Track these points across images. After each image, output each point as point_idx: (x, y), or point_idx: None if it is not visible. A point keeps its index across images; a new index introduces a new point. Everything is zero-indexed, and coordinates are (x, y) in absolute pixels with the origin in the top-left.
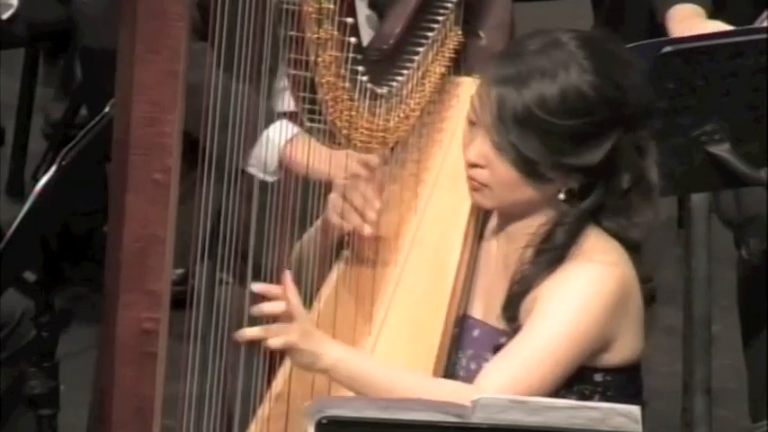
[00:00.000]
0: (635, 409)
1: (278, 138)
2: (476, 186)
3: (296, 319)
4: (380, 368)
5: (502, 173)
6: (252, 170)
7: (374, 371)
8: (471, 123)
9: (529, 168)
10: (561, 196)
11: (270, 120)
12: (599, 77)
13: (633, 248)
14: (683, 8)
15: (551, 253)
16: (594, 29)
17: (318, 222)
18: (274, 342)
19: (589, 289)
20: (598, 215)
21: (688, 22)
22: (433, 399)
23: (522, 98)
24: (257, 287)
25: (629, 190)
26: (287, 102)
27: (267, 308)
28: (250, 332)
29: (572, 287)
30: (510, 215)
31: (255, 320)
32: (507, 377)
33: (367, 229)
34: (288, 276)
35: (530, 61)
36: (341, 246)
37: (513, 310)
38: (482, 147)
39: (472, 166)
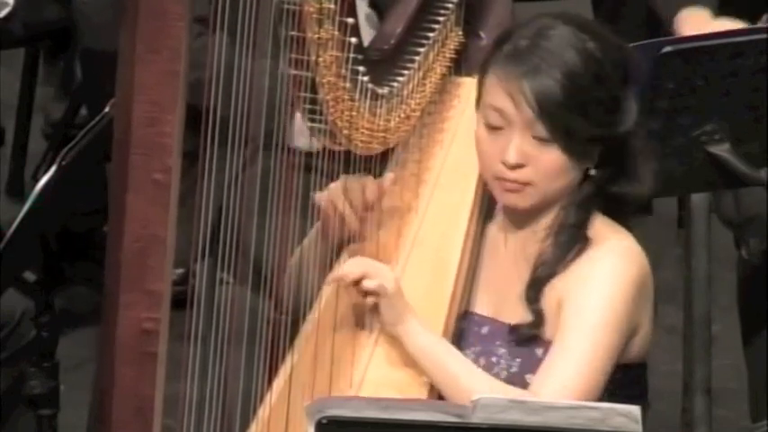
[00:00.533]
0: (635, 409)
1: None
2: (516, 188)
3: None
4: (458, 356)
5: (549, 162)
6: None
7: (450, 355)
8: (495, 129)
9: (578, 149)
10: (593, 172)
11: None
12: (598, 42)
13: (644, 211)
14: (692, 11)
15: (570, 230)
16: None
17: (318, 226)
18: (370, 282)
19: (614, 274)
20: (604, 186)
21: (698, 23)
22: None
23: (556, 80)
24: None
25: (632, 149)
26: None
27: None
28: (347, 270)
29: (597, 276)
30: (527, 211)
31: (256, 320)
32: (567, 380)
33: (355, 224)
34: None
35: (541, 47)
36: (341, 249)
37: (536, 292)
38: (522, 145)
39: (514, 168)
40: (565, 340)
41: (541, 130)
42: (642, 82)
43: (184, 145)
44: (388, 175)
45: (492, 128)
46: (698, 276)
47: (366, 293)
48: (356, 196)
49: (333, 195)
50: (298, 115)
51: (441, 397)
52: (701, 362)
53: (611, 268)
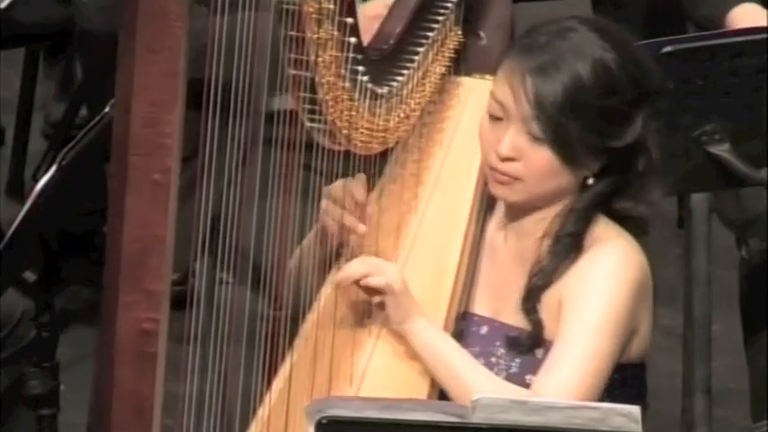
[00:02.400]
0: (635, 410)
1: None
2: (505, 181)
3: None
4: (464, 354)
5: (539, 162)
6: None
7: (455, 353)
8: (495, 119)
9: (570, 153)
10: (590, 181)
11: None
12: (619, 55)
13: (642, 228)
14: (745, 7)
15: (566, 240)
16: None
17: (317, 228)
18: (377, 280)
19: (614, 275)
20: (608, 198)
21: (755, 17)
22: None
23: (561, 82)
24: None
25: (642, 171)
26: None
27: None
28: (353, 269)
29: (597, 278)
30: (523, 210)
31: (255, 320)
32: (568, 380)
33: (361, 227)
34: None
35: (556, 46)
36: (339, 251)
37: (533, 302)
38: (516, 139)
39: (505, 160)
40: (565, 342)
41: (536, 129)
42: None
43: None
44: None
45: (493, 118)
46: (698, 276)
47: (372, 291)
48: (348, 202)
49: (326, 210)
50: None
51: (441, 397)
52: (700, 362)
53: (611, 269)
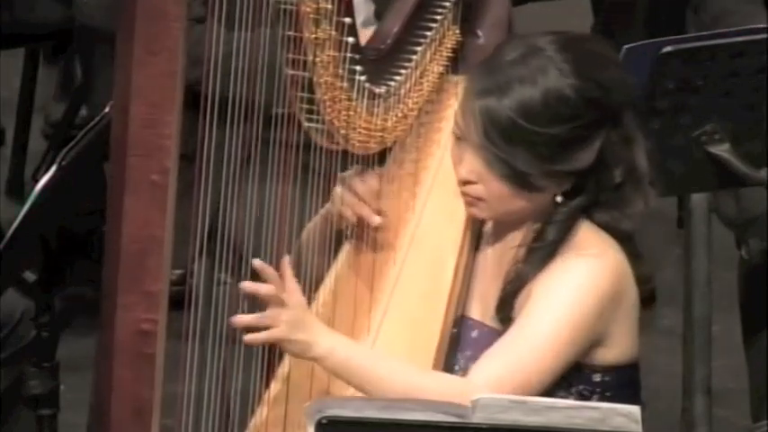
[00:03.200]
0: (635, 409)
1: None
2: (470, 201)
3: (288, 306)
4: (376, 359)
5: (495, 187)
6: None
7: (369, 362)
8: (457, 138)
9: (521, 181)
10: (559, 199)
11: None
12: (579, 79)
13: (625, 239)
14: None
15: (543, 250)
16: (594, 29)
17: (321, 213)
18: (259, 337)
19: (582, 281)
20: (589, 209)
21: None
22: (427, 392)
23: (506, 110)
24: (257, 263)
25: (621, 182)
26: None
27: (262, 290)
28: (242, 319)
29: (565, 280)
30: (505, 221)
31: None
32: (502, 370)
33: (376, 219)
34: (286, 261)
35: (508, 71)
36: (340, 236)
37: (506, 309)
38: (473, 163)
39: (465, 182)
40: (513, 333)
41: (485, 155)
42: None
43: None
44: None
45: (455, 136)
46: (698, 276)
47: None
48: (361, 187)
49: (339, 197)
50: None
51: None
52: (700, 362)
53: (580, 278)
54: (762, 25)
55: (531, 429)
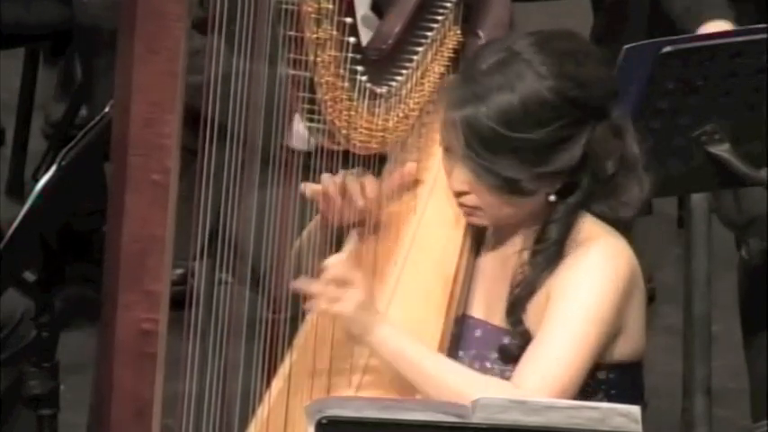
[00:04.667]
0: (635, 409)
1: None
2: (468, 211)
3: (357, 287)
4: (427, 354)
5: (486, 197)
6: (295, 144)
7: (420, 356)
8: (445, 149)
9: (511, 187)
10: (552, 198)
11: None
12: (558, 80)
13: (625, 228)
14: (714, 24)
15: (548, 251)
16: (594, 29)
17: (317, 218)
18: (325, 308)
19: (602, 270)
20: (587, 202)
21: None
22: (472, 392)
23: (485, 120)
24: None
25: (615, 172)
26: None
27: (335, 269)
28: (308, 284)
29: (585, 272)
30: (505, 225)
31: (255, 319)
32: (547, 375)
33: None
34: (354, 235)
35: (485, 80)
36: (340, 240)
37: (517, 313)
38: (462, 174)
39: (458, 194)
40: (548, 333)
41: (470, 165)
42: (624, 81)
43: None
44: (410, 164)
45: (444, 149)
46: (698, 276)
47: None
48: (354, 190)
49: (324, 183)
50: (297, 117)
51: None
52: (700, 362)
53: (598, 267)
54: (762, 25)
55: (531, 429)
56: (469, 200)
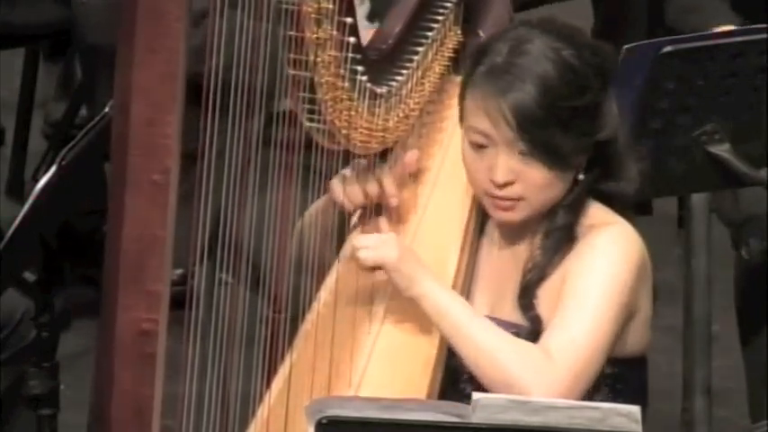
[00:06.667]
0: (635, 409)
1: None
2: (508, 205)
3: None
4: (466, 310)
5: (537, 177)
6: None
7: (465, 316)
8: (480, 147)
9: (561, 160)
10: (581, 176)
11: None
12: (576, 48)
13: (624, 207)
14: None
15: (558, 234)
16: (594, 29)
17: (321, 200)
18: (371, 256)
19: (616, 253)
20: (593, 186)
21: None
22: (505, 354)
23: (534, 97)
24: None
25: (617, 149)
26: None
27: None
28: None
29: (602, 253)
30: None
31: (255, 320)
32: (578, 335)
33: (393, 200)
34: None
35: (513, 66)
36: (342, 224)
37: (529, 298)
38: (509, 162)
39: (503, 186)
40: (571, 304)
41: (524, 147)
42: (624, 81)
43: (184, 145)
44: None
45: (477, 146)
46: (698, 276)
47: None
48: (391, 192)
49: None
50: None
51: (441, 397)
52: (700, 362)
53: (612, 249)
54: (762, 25)
55: (531, 429)
56: (514, 190)
